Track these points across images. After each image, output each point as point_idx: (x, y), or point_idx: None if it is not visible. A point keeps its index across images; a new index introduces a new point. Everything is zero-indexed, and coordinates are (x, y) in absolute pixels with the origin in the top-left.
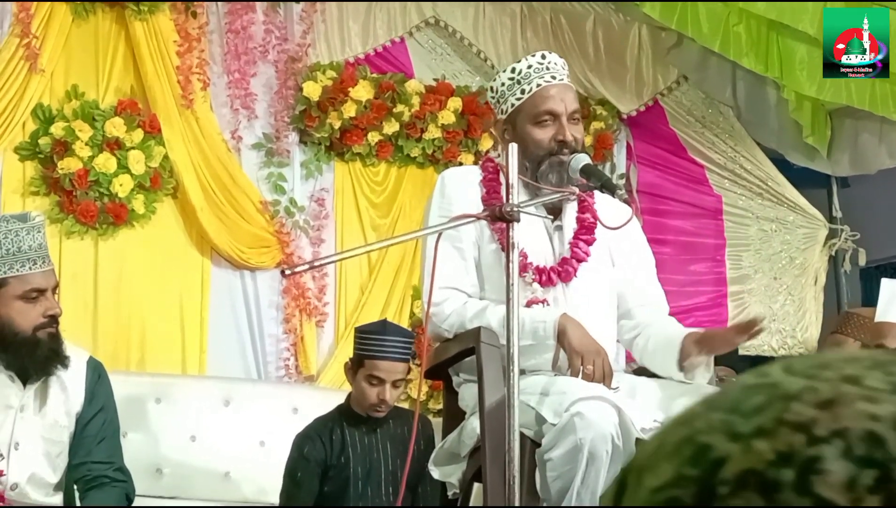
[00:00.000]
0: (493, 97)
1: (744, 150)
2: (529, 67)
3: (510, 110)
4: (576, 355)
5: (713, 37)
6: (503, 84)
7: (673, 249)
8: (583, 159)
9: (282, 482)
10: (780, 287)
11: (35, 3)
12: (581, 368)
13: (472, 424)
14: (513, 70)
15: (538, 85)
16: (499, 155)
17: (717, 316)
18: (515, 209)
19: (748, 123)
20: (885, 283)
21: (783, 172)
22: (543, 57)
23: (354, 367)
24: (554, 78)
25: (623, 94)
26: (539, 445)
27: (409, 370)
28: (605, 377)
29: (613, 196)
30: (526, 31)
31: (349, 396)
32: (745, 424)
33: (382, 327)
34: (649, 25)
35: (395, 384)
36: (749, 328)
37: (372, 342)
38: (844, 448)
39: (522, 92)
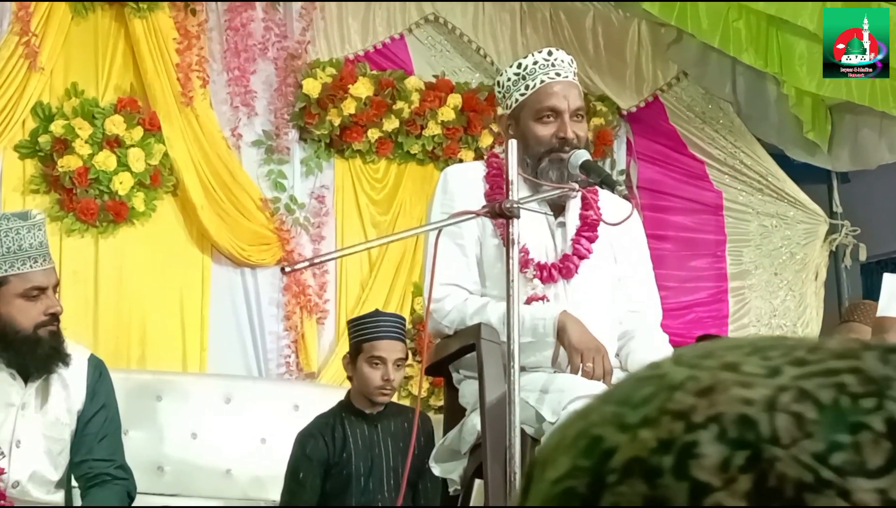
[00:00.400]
0: (499, 92)
1: (744, 145)
2: (535, 63)
3: (514, 106)
4: (575, 352)
5: (713, 32)
6: (509, 79)
7: (673, 245)
8: (582, 156)
9: (284, 480)
10: (781, 283)
11: (35, 1)
12: (581, 365)
13: (473, 421)
14: (519, 66)
15: (542, 81)
16: (503, 151)
17: (718, 312)
18: (515, 206)
19: (748, 118)
20: (887, 278)
21: (783, 168)
22: (550, 53)
23: (353, 356)
24: (559, 75)
25: (623, 90)
26: (539, 442)
27: (407, 354)
28: (605, 375)
29: (613, 192)
30: (525, 27)
31: (349, 392)
32: (633, 415)
33: (374, 312)
34: (649, 21)
35: (396, 364)
36: None
37: (367, 325)
38: (719, 432)
39: (527, 88)
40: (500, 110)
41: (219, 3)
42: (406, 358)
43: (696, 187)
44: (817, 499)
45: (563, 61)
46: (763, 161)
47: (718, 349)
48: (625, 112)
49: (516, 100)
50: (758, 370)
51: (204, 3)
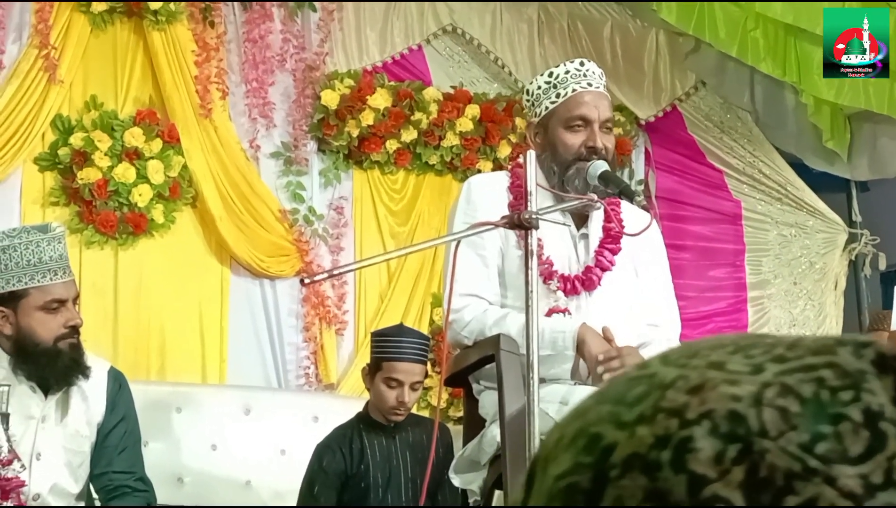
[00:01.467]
0: (528, 100)
1: (762, 155)
2: (567, 72)
3: (544, 113)
4: (595, 366)
5: (731, 42)
6: (539, 87)
7: (692, 254)
8: (601, 166)
9: (299, 492)
10: (800, 292)
11: (53, 14)
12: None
13: (493, 432)
14: (550, 74)
15: (574, 90)
16: None
17: (737, 321)
18: (534, 216)
19: (766, 127)
20: None
21: (802, 177)
22: (582, 64)
23: (372, 371)
24: (590, 85)
25: (641, 100)
26: None
27: (427, 373)
28: None
29: (632, 202)
30: (543, 37)
31: (367, 403)
32: (629, 413)
33: (399, 329)
34: (667, 31)
35: (413, 387)
36: None
37: (389, 345)
38: (711, 428)
39: (557, 96)
40: (527, 119)
41: (237, 14)
42: (423, 380)
43: (714, 197)
44: (805, 487)
45: (594, 73)
46: (782, 170)
47: (703, 349)
48: (643, 122)
49: (546, 108)
50: (742, 367)
51: (222, 14)
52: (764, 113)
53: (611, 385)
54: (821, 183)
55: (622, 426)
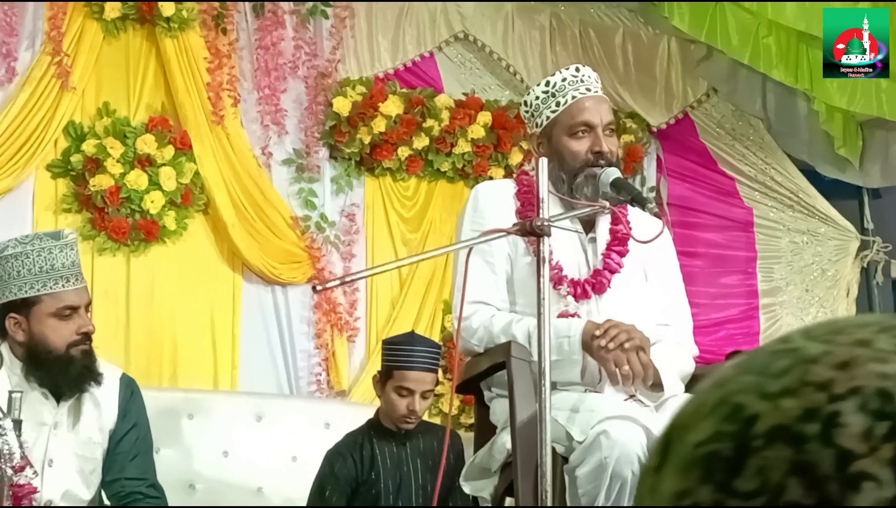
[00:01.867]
0: (526, 111)
1: (774, 162)
2: (564, 79)
3: (545, 123)
4: (607, 361)
5: (743, 49)
6: (537, 98)
7: (704, 261)
8: (613, 173)
9: (308, 497)
10: (812, 299)
11: (66, 21)
12: (617, 370)
13: (503, 439)
14: (547, 83)
15: (573, 97)
16: (533, 168)
17: (749, 329)
18: (546, 223)
19: (778, 134)
20: None
21: (814, 184)
22: (577, 70)
23: (383, 379)
24: (589, 90)
25: (653, 107)
26: (568, 461)
27: (438, 381)
28: (644, 369)
29: (644, 210)
30: (555, 44)
31: (378, 410)
32: (773, 385)
33: (410, 337)
34: (679, 38)
35: (423, 395)
36: None
37: (400, 353)
38: (860, 404)
39: (557, 105)
40: (528, 130)
41: (249, 21)
42: (434, 388)
43: (726, 204)
44: None
45: (590, 77)
46: (794, 177)
47: (848, 327)
48: (655, 129)
49: (547, 117)
50: (889, 346)
51: (234, 21)
52: (776, 120)
53: (751, 358)
54: (833, 190)
55: (766, 398)
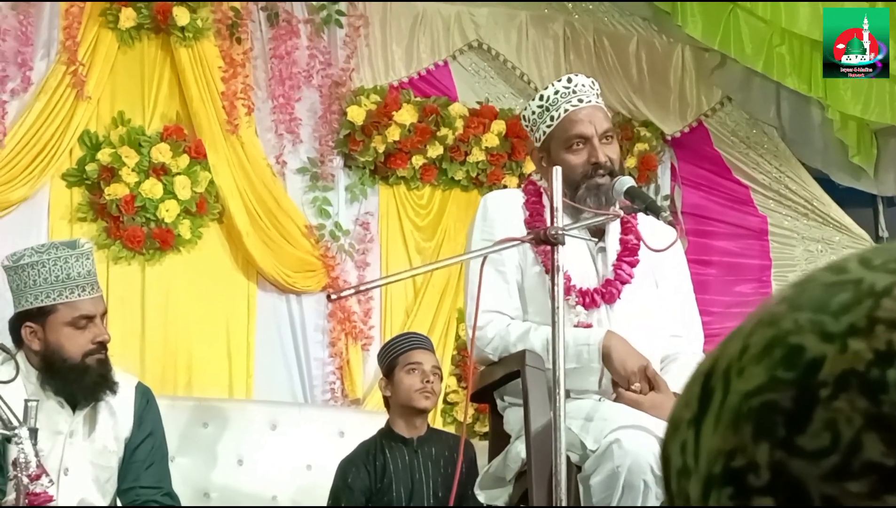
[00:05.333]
0: (526, 126)
1: (789, 170)
2: (556, 92)
3: (543, 138)
4: (622, 380)
5: (756, 57)
6: (533, 112)
7: (718, 270)
8: (627, 182)
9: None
10: None
11: (81, 31)
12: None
13: (517, 448)
14: (541, 98)
15: (566, 110)
16: (540, 178)
17: None
18: (560, 232)
19: (793, 143)
20: None
21: (828, 192)
22: (570, 81)
23: (389, 375)
24: (581, 101)
25: (667, 115)
26: (582, 469)
27: (441, 371)
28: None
29: (658, 218)
30: (569, 53)
31: (389, 420)
32: (836, 323)
33: (395, 336)
34: (692, 47)
35: (433, 373)
36: None
37: (396, 343)
38: None
39: (552, 119)
40: (533, 143)
41: (263, 30)
42: (440, 368)
43: (740, 212)
44: None
45: (583, 86)
46: (808, 186)
47: None
48: (669, 137)
49: (543, 132)
50: None
51: (249, 31)
52: (790, 128)
53: (801, 290)
54: (847, 198)
55: (829, 338)
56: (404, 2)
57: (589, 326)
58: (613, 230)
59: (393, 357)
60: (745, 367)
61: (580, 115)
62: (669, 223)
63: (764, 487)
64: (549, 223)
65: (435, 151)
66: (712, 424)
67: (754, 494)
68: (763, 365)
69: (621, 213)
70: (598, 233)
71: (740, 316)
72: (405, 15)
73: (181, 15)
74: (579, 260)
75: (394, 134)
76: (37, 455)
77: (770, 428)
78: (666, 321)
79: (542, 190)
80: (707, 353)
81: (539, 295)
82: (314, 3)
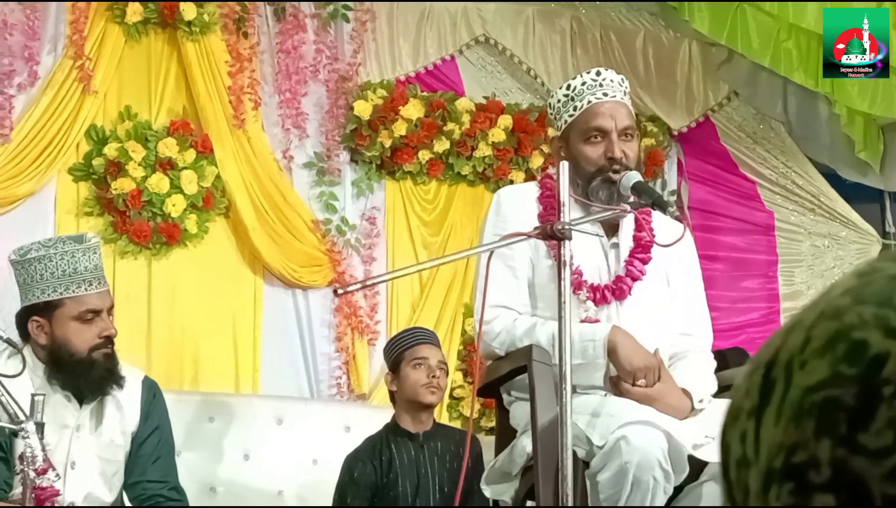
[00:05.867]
0: (550, 113)
1: (795, 165)
2: (583, 83)
3: (564, 127)
4: (628, 375)
5: (763, 52)
6: (559, 101)
7: (724, 265)
8: (634, 177)
9: (331, 503)
10: None
11: (88, 25)
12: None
13: (523, 443)
14: (568, 87)
15: (589, 102)
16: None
17: (770, 333)
18: (567, 227)
19: (799, 138)
20: None
21: (835, 187)
22: (598, 74)
23: (395, 369)
24: (606, 95)
25: (673, 110)
26: (589, 465)
27: (445, 363)
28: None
29: (665, 213)
30: (576, 48)
31: (395, 415)
32: None
33: (403, 330)
34: (699, 41)
35: (439, 367)
36: None
37: (402, 338)
38: None
39: (575, 109)
40: (552, 132)
41: (271, 26)
42: (446, 363)
43: (747, 208)
44: None
45: (612, 81)
46: (815, 181)
47: None
48: (675, 132)
49: (566, 121)
50: None
51: (255, 25)
52: (797, 124)
53: (865, 283)
54: (854, 194)
55: (894, 334)
56: None
57: (594, 321)
58: (627, 227)
59: (399, 352)
60: (808, 360)
61: (602, 108)
62: (676, 218)
63: (825, 484)
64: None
65: (441, 145)
66: (773, 416)
67: (815, 491)
68: (826, 360)
69: (628, 208)
70: (612, 229)
71: (746, 311)
72: (412, 10)
73: (188, 9)
74: (591, 256)
75: (400, 129)
76: (43, 449)
77: (832, 425)
78: (675, 318)
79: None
80: (766, 341)
81: (549, 289)
82: None
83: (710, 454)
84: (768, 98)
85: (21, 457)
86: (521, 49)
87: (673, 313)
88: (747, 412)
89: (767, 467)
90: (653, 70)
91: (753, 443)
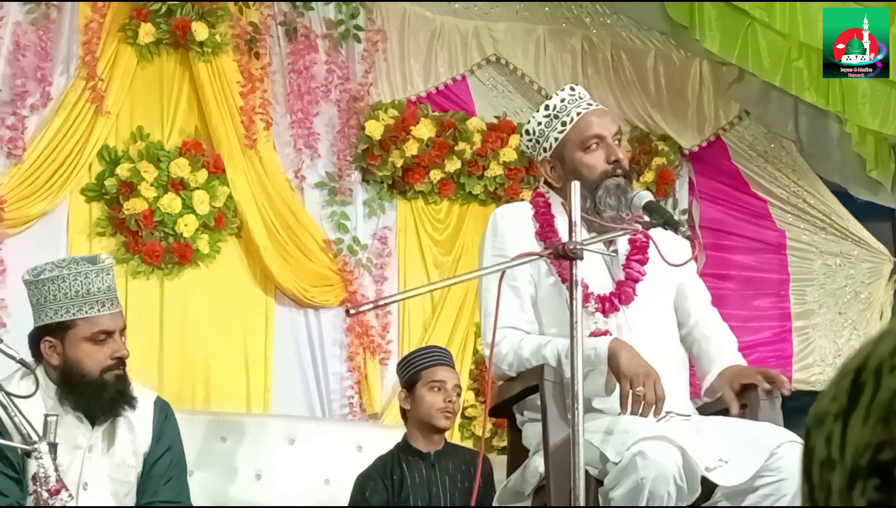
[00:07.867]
0: (529, 140)
1: (807, 184)
2: (563, 100)
3: (554, 146)
4: (625, 378)
5: (774, 71)
6: (539, 123)
7: (736, 284)
8: (645, 197)
9: None
10: (846, 322)
11: (101, 46)
12: (630, 391)
13: (535, 462)
14: (546, 107)
15: (578, 113)
16: (548, 190)
17: (782, 351)
18: (578, 247)
19: (811, 157)
20: None
21: (846, 206)
22: (573, 89)
23: (410, 389)
24: (590, 105)
25: (685, 129)
26: (602, 483)
27: (461, 388)
28: (656, 400)
29: (676, 233)
30: (587, 67)
31: (406, 434)
32: None
33: (419, 348)
34: (710, 61)
35: (455, 391)
36: (770, 381)
37: (421, 356)
38: None
39: (563, 124)
40: (536, 158)
41: (282, 45)
42: (460, 385)
43: (758, 226)
44: None
45: (586, 94)
46: (826, 200)
47: None
48: (687, 151)
49: (555, 139)
50: None
51: (267, 45)
52: (808, 142)
53: None
54: (865, 212)
55: None
56: (422, 17)
57: (604, 332)
58: None
59: (416, 371)
60: None
61: (592, 117)
62: (687, 238)
63: None
64: (562, 236)
65: (453, 165)
66: (861, 418)
67: None
68: None
69: (638, 228)
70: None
71: (758, 330)
72: (423, 30)
73: (200, 30)
74: (595, 268)
75: (412, 148)
76: (56, 469)
77: None
78: (679, 309)
79: (549, 201)
80: (856, 350)
81: (553, 306)
82: (332, 18)
83: (723, 477)
84: (779, 117)
85: (34, 478)
86: (532, 68)
87: (680, 315)
88: (834, 416)
89: (853, 465)
90: (664, 89)
91: (839, 444)
